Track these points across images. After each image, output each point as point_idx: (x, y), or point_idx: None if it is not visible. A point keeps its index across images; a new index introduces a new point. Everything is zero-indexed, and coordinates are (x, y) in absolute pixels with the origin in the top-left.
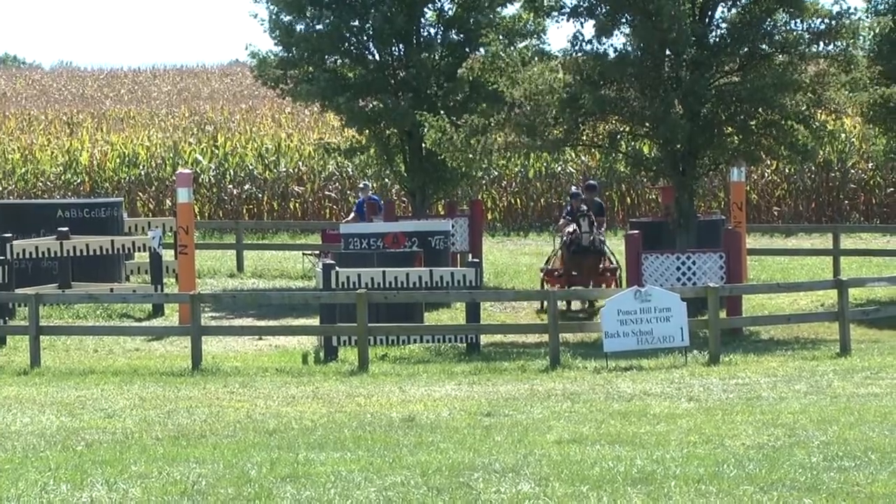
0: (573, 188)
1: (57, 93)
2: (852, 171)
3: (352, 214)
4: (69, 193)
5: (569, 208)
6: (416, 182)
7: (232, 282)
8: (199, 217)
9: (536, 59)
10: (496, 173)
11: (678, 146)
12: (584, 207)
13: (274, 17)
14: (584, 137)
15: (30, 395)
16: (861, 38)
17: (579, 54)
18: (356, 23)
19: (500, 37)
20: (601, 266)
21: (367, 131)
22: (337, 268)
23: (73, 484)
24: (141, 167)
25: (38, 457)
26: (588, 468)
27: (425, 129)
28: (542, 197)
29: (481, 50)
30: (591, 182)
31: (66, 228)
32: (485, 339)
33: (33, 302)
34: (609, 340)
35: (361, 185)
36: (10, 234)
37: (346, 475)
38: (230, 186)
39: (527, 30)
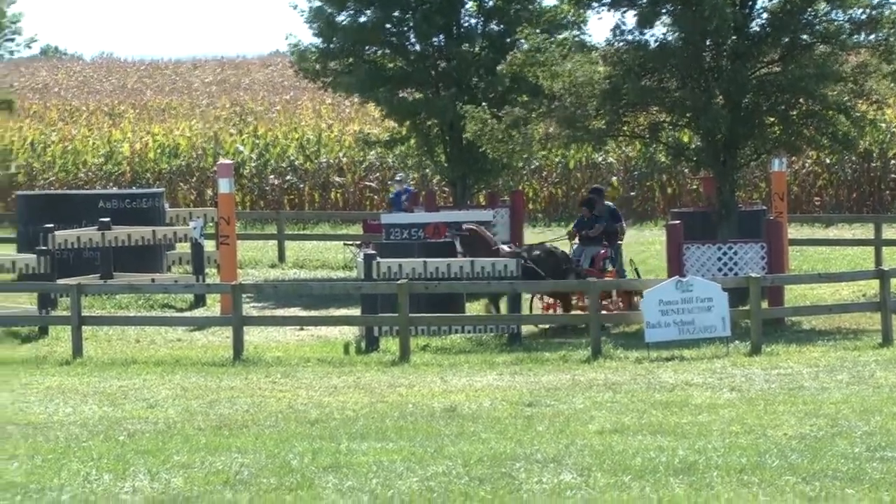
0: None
1: (98, 84)
2: (893, 161)
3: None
4: (110, 184)
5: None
6: (456, 172)
7: (273, 272)
8: (240, 207)
9: (576, 50)
10: (537, 164)
11: (719, 136)
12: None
13: (314, 8)
14: (625, 128)
15: (72, 385)
16: None
17: (620, 45)
18: (397, 14)
19: (538, 31)
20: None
21: (407, 122)
22: (378, 258)
23: (116, 474)
24: (182, 158)
25: (81, 447)
26: (630, 458)
27: (466, 121)
28: (582, 187)
29: (521, 42)
30: (597, 186)
31: (107, 219)
32: (526, 329)
33: (75, 292)
34: (651, 331)
35: (398, 177)
36: (52, 225)
37: (387, 465)
38: (271, 177)
39: (567, 21)
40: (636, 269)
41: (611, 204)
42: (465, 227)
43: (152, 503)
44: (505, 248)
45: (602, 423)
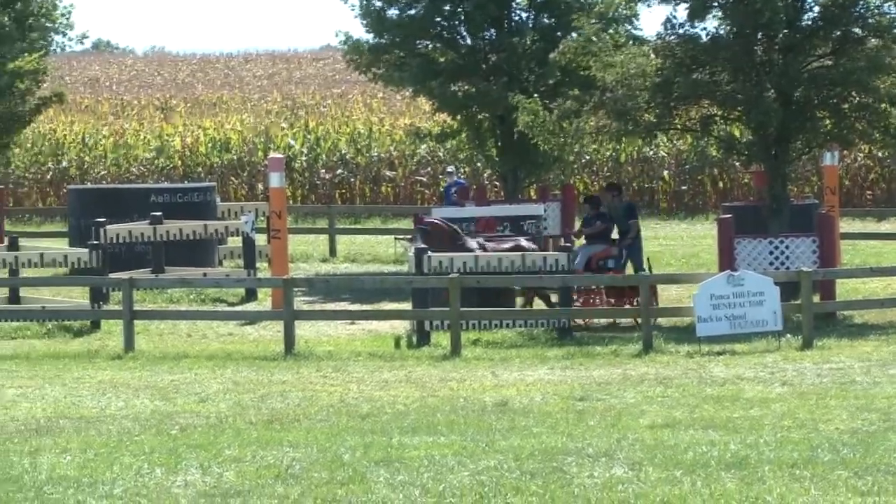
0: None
1: (149, 78)
2: None
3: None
4: (161, 178)
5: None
6: (507, 166)
7: (325, 266)
8: (291, 201)
9: (629, 43)
10: (588, 158)
11: (770, 130)
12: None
13: (365, 2)
14: (677, 122)
15: (124, 379)
16: None
17: (671, 38)
18: (448, 7)
19: (593, 21)
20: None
21: (458, 116)
22: (429, 252)
23: (168, 468)
24: (233, 152)
25: (133, 441)
26: (681, 453)
27: (518, 112)
28: (634, 181)
29: (573, 34)
30: (612, 182)
31: (159, 213)
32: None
33: (127, 286)
34: (702, 325)
35: (448, 170)
36: (103, 219)
37: (439, 459)
38: (322, 171)
39: (619, 14)
40: (649, 267)
41: (628, 200)
42: (426, 220)
43: (204, 497)
44: (473, 242)
45: (653, 418)
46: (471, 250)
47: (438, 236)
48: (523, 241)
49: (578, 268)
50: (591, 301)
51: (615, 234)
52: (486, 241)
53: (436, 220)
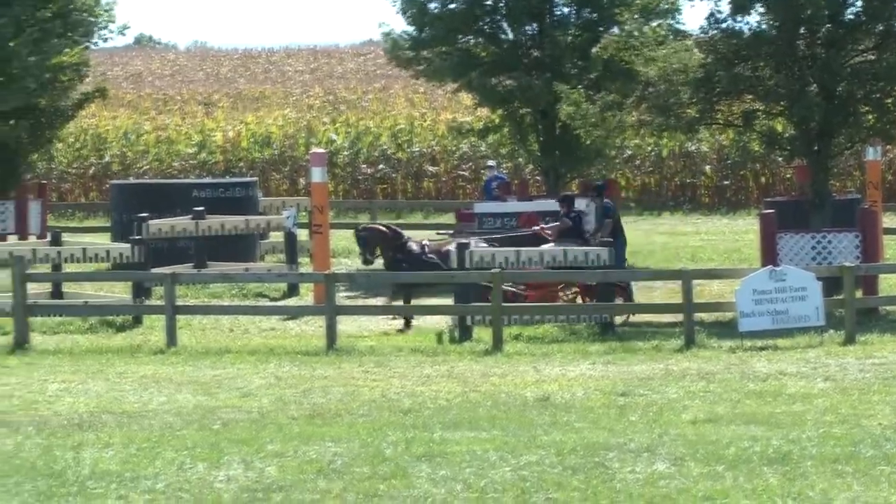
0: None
1: (191, 73)
2: None
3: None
4: (203, 173)
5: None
6: (549, 161)
7: None
8: (333, 196)
9: (671, 37)
10: (630, 152)
11: (813, 125)
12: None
13: None
14: (719, 116)
15: (166, 374)
16: None
17: (714, 33)
18: (489, 2)
19: (635, 15)
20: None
21: (500, 111)
22: (471, 247)
23: (210, 462)
24: (275, 147)
25: (175, 435)
26: (723, 448)
27: (560, 103)
28: (675, 176)
29: (615, 28)
30: (599, 183)
31: (201, 208)
32: (619, 318)
33: (169, 281)
34: (744, 320)
35: (489, 164)
36: (146, 214)
37: (481, 454)
38: (364, 166)
39: (661, 8)
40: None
41: (608, 201)
42: (364, 226)
43: (247, 492)
44: (413, 244)
45: (695, 413)
46: (412, 252)
47: (379, 240)
48: (473, 241)
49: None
50: (566, 297)
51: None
52: (431, 242)
53: (374, 225)
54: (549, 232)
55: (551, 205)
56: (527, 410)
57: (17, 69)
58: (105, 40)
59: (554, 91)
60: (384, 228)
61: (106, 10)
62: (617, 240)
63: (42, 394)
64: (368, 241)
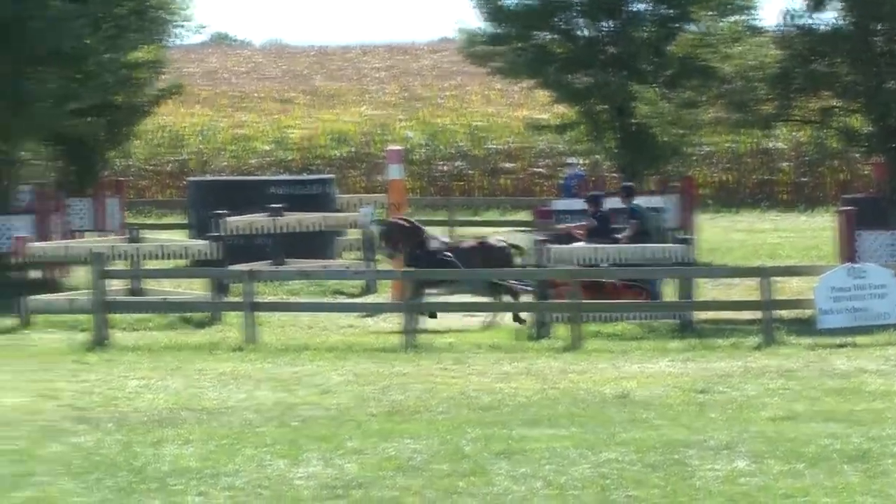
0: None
1: (268, 70)
2: None
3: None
4: (280, 170)
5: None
6: (626, 158)
7: None
8: (410, 193)
9: (747, 34)
10: (707, 149)
11: (891, 121)
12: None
13: None
14: (796, 113)
15: (245, 370)
16: None
17: (790, 29)
18: None
19: (711, 12)
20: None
21: (576, 107)
22: (549, 244)
23: (290, 459)
24: (351, 144)
25: (255, 432)
26: (803, 445)
27: (636, 101)
28: (753, 173)
29: (691, 25)
30: (627, 184)
31: (279, 205)
32: (698, 315)
33: (247, 278)
34: (823, 317)
35: (569, 161)
36: (223, 211)
37: (560, 451)
38: (440, 163)
39: (737, 4)
40: None
41: (637, 203)
42: (388, 220)
43: (326, 489)
44: (433, 241)
45: (775, 411)
46: (431, 249)
47: (399, 235)
48: (490, 239)
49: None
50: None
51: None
52: (449, 239)
53: (397, 220)
54: (581, 232)
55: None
56: (606, 407)
57: (94, 66)
58: (182, 39)
59: (629, 89)
60: (405, 223)
61: (182, 9)
62: (644, 242)
63: (122, 390)
64: (389, 236)
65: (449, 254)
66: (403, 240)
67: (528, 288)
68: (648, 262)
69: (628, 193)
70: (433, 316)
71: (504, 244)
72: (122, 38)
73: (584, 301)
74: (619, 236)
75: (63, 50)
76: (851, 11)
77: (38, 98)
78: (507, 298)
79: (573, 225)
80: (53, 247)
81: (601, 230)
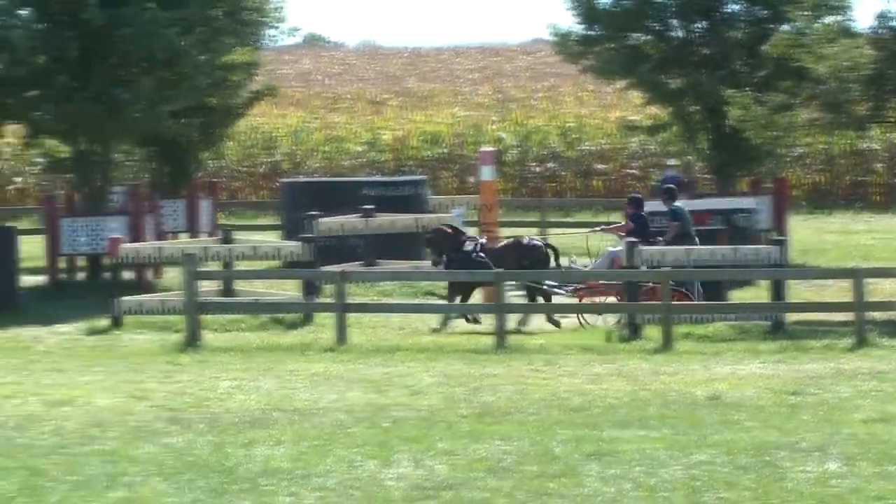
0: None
1: (361, 71)
2: None
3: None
4: (373, 171)
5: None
6: (719, 160)
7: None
8: (502, 195)
9: (841, 35)
10: (800, 151)
11: None
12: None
13: None
14: (890, 114)
15: (337, 371)
16: None
17: (884, 31)
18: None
19: (805, 12)
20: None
21: (669, 109)
22: (640, 246)
23: (380, 460)
24: (443, 145)
25: (346, 433)
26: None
27: (729, 105)
28: (847, 174)
29: (785, 25)
30: (669, 186)
31: (371, 206)
32: (790, 317)
33: (339, 279)
34: None
35: (668, 163)
36: (315, 212)
37: (650, 453)
38: (533, 164)
39: (832, 5)
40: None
41: (677, 206)
42: (433, 227)
43: (417, 490)
44: (470, 243)
45: (867, 413)
46: (464, 251)
47: (443, 241)
48: (524, 239)
49: (600, 268)
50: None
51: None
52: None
53: (441, 226)
54: (623, 233)
55: (722, 203)
56: (697, 409)
57: (188, 68)
58: (276, 41)
59: (722, 92)
60: (447, 229)
61: (276, 11)
62: (685, 244)
63: (213, 391)
64: (433, 243)
65: (483, 255)
66: (446, 245)
67: (560, 290)
68: (740, 263)
69: (670, 196)
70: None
71: (538, 244)
72: (216, 41)
73: (675, 303)
74: (660, 239)
75: (156, 55)
76: None
77: (132, 102)
78: (539, 299)
79: (606, 227)
80: (146, 248)
81: (639, 232)
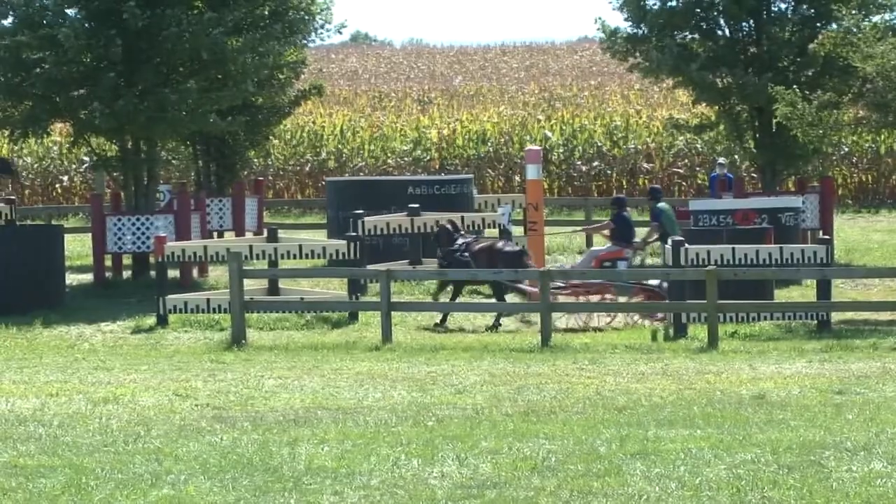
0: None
1: (408, 70)
2: None
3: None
4: (418, 170)
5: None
6: (765, 158)
7: (581, 259)
8: (548, 194)
9: (890, 33)
10: (846, 149)
11: None
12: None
13: None
14: None
15: (381, 370)
16: None
17: None
18: None
19: (853, 11)
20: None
21: (716, 107)
22: (686, 244)
23: (424, 459)
24: (489, 144)
25: (390, 432)
26: None
27: (777, 102)
28: (893, 174)
29: (833, 24)
30: (654, 186)
31: (416, 205)
32: (836, 316)
33: (384, 278)
34: None
35: (720, 161)
36: (361, 211)
37: (695, 452)
38: (579, 163)
39: (880, 3)
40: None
41: (660, 206)
42: (440, 224)
43: (461, 488)
44: (459, 241)
45: None
46: (451, 249)
47: (444, 237)
48: (499, 243)
49: (582, 267)
50: (577, 297)
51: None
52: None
53: (444, 223)
54: (607, 233)
55: (768, 202)
56: (742, 408)
57: (235, 69)
58: (322, 39)
59: (769, 90)
60: (449, 226)
61: (323, 9)
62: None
63: (258, 389)
64: (436, 240)
65: (466, 254)
66: (446, 242)
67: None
68: (786, 261)
69: (653, 196)
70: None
71: (511, 249)
72: (263, 42)
73: (721, 301)
74: (639, 240)
75: (202, 56)
76: None
77: (178, 102)
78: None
79: (590, 227)
80: (192, 246)
81: (621, 232)
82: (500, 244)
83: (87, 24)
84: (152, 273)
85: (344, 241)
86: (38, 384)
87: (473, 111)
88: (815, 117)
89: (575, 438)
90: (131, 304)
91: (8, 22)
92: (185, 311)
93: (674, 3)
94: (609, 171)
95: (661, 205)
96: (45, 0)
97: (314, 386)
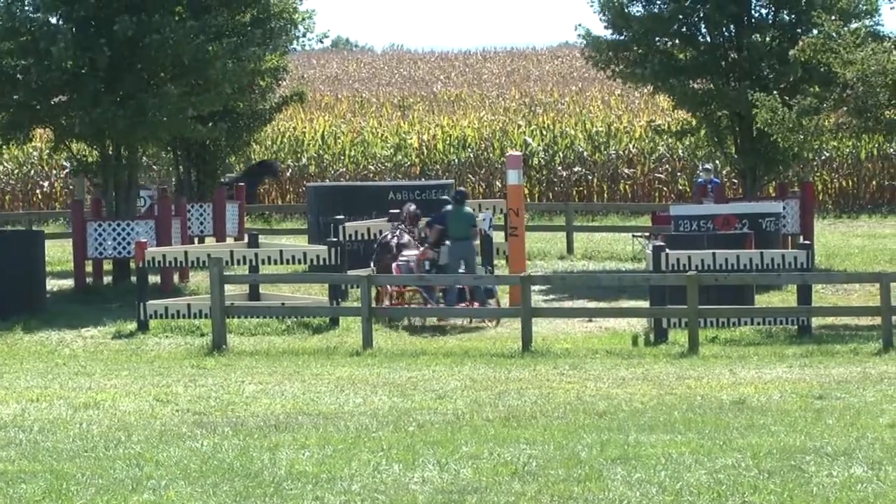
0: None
1: (388, 75)
2: None
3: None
4: (399, 175)
5: None
6: (746, 164)
7: (562, 264)
8: (528, 199)
9: (869, 40)
10: (827, 155)
11: None
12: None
13: None
14: None
15: (362, 375)
16: None
17: None
18: (688, 4)
19: (833, 17)
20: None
21: (697, 113)
22: (667, 250)
23: (405, 464)
24: (470, 149)
25: (371, 437)
26: None
27: (757, 108)
28: (873, 179)
29: (813, 31)
30: (460, 189)
31: (397, 210)
32: (816, 321)
33: (365, 283)
34: None
35: (705, 167)
36: (342, 216)
37: (676, 457)
38: (560, 168)
39: (860, 10)
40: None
41: (447, 209)
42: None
43: (441, 493)
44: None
45: (893, 417)
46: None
47: (406, 221)
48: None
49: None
50: (401, 300)
51: None
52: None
53: (409, 208)
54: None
55: (749, 207)
56: (722, 413)
57: (216, 75)
58: (304, 46)
59: (750, 96)
60: (413, 209)
61: (305, 17)
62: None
63: (239, 395)
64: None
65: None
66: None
67: None
68: (767, 267)
69: (456, 199)
70: None
71: (386, 239)
72: (245, 49)
73: (702, 307)
74: (428, 242)
75: (183, 62)
76: None
77: (158, 107)
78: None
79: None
80: (172, 252)
81: (443, 233)
82: (429, 253)
83: (73, 31)
84: (133, 278)
85: (325, 247)
86: (19, 389)
87: (454, 116)
88: (795, 123)
89: (556, 443)
90: (112, 310)
91: None
92: (166, 317)
93: (656, 10)
94: (590, 177)
95: (448, 209)
96: (28, 8)
97: (295, 391)
